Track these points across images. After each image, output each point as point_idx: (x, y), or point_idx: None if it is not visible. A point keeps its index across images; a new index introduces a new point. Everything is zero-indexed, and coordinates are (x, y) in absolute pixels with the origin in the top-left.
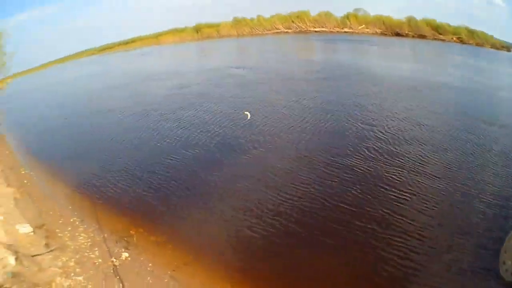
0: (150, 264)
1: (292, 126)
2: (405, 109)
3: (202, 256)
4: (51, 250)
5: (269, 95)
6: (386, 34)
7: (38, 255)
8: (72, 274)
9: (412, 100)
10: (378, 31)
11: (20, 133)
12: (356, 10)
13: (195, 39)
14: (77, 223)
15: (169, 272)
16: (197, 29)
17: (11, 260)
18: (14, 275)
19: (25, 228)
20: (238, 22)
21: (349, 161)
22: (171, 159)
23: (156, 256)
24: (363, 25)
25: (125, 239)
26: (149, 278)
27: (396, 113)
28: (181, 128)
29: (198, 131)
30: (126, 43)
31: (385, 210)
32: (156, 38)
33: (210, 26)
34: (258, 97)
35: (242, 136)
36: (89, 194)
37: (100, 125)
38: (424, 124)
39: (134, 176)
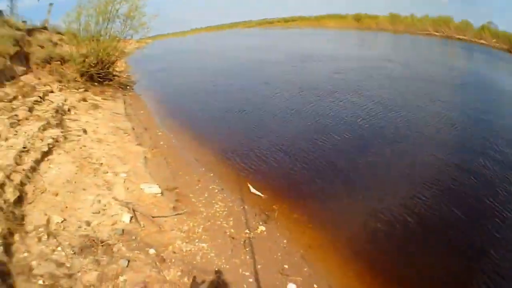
0: (284, 241)
1: (427, 126)
2: None
3: (336, 242)
4: (178, 214)
5: (413, 92)
6: (510, 51)
7: (162, 216)
8: (197, 240)
9: None
10: (505, 47)
11: (160, 95)
12: (489, 23)
13: (354, 27)
14: (216, 191)
15: (301, 251)
16: (357, 18)
17: (126, 218)
18: (125, 233)
19: (151, 189)
20: (394, 18)
21: (469, 175)
22: (321, 141)
23: (293, 233)
24: (495, 39)
25: (266, 213)
26: (279, 254)
27: None
28: (333, 111)
29: (348, 117)
30: (286, 21)
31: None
32: (317, 20)
33: (369, 17)
34: (402, 93)
35: (387, 127)
36: (234, 164)
37: (252, 96)
38: None
39: (283, 153)
